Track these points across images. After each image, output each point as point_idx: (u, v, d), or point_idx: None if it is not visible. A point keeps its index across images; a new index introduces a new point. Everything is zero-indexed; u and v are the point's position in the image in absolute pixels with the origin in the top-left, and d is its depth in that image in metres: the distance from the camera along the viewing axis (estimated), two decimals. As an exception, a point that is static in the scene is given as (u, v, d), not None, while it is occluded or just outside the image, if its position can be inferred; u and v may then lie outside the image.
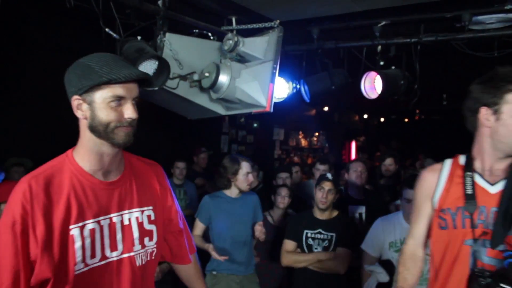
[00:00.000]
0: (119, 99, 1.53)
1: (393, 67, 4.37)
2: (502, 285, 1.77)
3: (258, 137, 9.41)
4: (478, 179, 1.96)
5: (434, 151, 11.32)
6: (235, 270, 3.73)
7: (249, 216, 3.85)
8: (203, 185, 6.05)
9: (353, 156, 11.42)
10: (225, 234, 3.72)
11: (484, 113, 1.88)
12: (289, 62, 4.56)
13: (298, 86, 4.53)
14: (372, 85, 4.26)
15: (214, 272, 3.75)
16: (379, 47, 4.23)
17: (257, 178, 5.26)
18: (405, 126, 12.73)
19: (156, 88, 3.17)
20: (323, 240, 3.65)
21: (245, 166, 3.73)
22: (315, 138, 11.45)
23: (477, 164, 1.98)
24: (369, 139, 12.79)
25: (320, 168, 5.02)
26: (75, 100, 1.54)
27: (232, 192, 3.80)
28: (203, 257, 3.86)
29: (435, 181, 2.06)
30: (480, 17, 3.68)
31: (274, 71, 3.23)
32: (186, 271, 2.09)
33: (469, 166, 2.00)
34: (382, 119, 13.03)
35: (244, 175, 3.73)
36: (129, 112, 1.54)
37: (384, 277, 3.15)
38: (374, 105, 10.10)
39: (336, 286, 3.65)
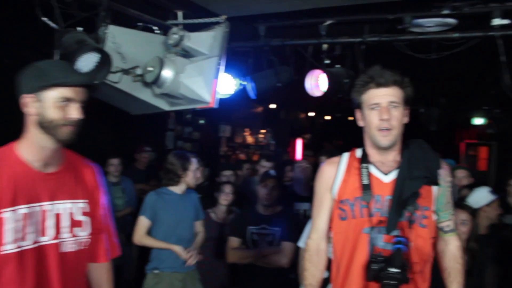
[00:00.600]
0: (67, 100, 1.72)
1: (338, 66, 4.44)
2: (389, 269, 1.92)
3: (204, 133, 9.34)
4: (373, 170, 2.10)
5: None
6: (179, 268, 3.68)
7: (193, 213, 3.85)
8: (144, 190, 5.84)
9: (298, 153, 11.55)
10: (171, 232, 3.68)
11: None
12: (236, 59, 4.53)
13: (244, 83, 4.52)
14: (316, 83, 4.31)
15: (156, 271, 3.68)
16: (325, 46, 4.28)
17: (202, 175, 5.23)
18: (349, 125, 13.00)
19: (98, 82, 3.06)
20: (267, 235, 3.68)
21: (194, 162, 3.74)
22: (261, 135, 11.49)
23: (370, 157, 2.13)
24: (315, 137, 12.99)
25: (266, 165, 5.08)
26: (26, 98, 1.72)
27: (179, 189, 3.76)
28: (145, 255, 3.80)
29: (334, 174, 2.18)
30: (420, 20, 3.81)
31: (219, 67, 3.20)
32: (98, 273, 2.08)
33: (364, 158, 2.14)
34: (327, 117, 13.26)
35: (194, 170, 3.73)
36: (74, 112, 1.73)
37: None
38: (320, 103, 10.29)
39: (282, 280, 3.68)
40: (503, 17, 3.62)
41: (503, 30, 3.65)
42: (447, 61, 3.96)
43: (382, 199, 2.05)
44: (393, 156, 2.11)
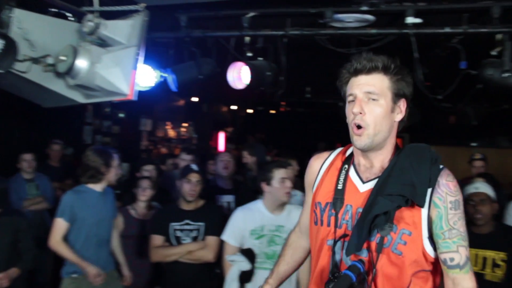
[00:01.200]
0: None
1: (260, 59, 4.43)
2: None
3: (124, 127, 9.08)
4: (352, 174, 1.79)
5: (297, 142, 11.99)
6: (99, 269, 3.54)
7: (112, 211, 3.74)
8: (62, 188, 5.50)
9: (221, 146, 11.54)
10: (93, 233, 3.52)
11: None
12: (156, 50, 4.38)
13: (165, 75, 4.38)
14: (239, 75, 4.28)
15: (75, 275, 3.51)
16: (247, 38, 4.25)
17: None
18: (271, 118, 13.20)
19: (2, 72, 2.80)
20: (191, 230, 3.63)
21: (116, 158, 3.65)
22: (183, 129, 11.34)
23: (356, 158, 1.82)
24: (237, 130, 13.03)
25: (186, 158, 5.02)
26: None
27: (100, 187, 3.61)
28: (61, 258, 3.58)
29: (317, 170, 1.91)
30: (341, 15, 3.89)
31: (138, 57, 3.05)
32: None
33: (349, 158, 1.83)
34: (250, 111, 13.34)
35: (116, 167, 3.63)
36: None
37: (245, 265, 3.19)
38: (242, 96, 10.31)
39: (208, 275, 3.65)
40: (416, 16, 3.78)
41: (416, 28, 3.81)
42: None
43: (353, 211, 1.73)
44: (380, 161, 1.75)
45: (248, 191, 4.39)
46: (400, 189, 1.61)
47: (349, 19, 3.94)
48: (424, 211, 1.66)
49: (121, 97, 3.07)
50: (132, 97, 3.04)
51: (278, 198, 3.27)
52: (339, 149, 1.92)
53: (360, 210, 1.69)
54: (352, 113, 1.69)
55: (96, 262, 3.54)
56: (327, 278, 1.70)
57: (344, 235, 1.72)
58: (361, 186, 1.75)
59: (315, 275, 1.82)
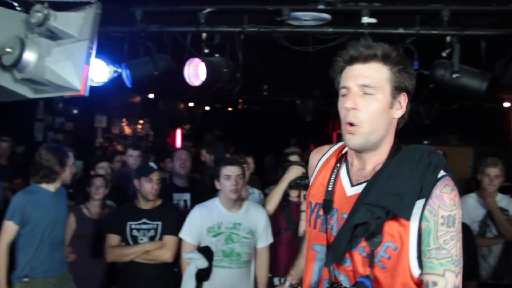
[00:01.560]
0: None
1: (217, 55, 4.39)
2: None
3: (78, 124, 8.85)
4: (343, 174, 1.61)
5: (256, 140, 12.02)
6: (52, 272, 3.45)
7: (66, 212, 3.63)
8: (11, 189, 5.25)
9: (178, 144, 11.42)
10: (46, 235, 3.39)
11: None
12: (110, 44, 4.26)
13: (119, 70, 4.27)
14: (196, 72, 4.22)
15: (26, 279, 3.36)
16: (204, 34, 4.20)
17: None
18: (229, 115, 13.19)
19: None
20: (149, 230, 3.56)
21: (71, 157, 3.53)
22: (139, 126, 11.14)
23: (350, 156, 1.63)
24: (194, 127, 12.95)
25: (133, 154, 4.95)
26: None
27: (53, 186, 3.48)
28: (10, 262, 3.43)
29: (314, 166, 1.73)
30: (298, 13, 3.90)
31: (90, 51, 2.93)
32: None
33: (343, 156, 1.65)
34: (207, 108, 13.27)
35: (71, 166, 3.52)
36: None
37: (202, 263, 3.17)
38: (199, 93, 10.22)
39: (165, 275, 3.59)
40: (371, 16, 3.84)
41: (371, 28, 3.88)
42: (322, 54, 4.12)
43: (338, 215, 1.56)
44: (373, 163, 1.56)
45: (206, 189, 4.36)
46: (381, 198, 1.42)
47: (306, 17, 3.97)
48: (413, 226, 1.44)
49: (73, 93, 2.96)
50: (85, 92, 2.93)
51: (226, 195, 3.28)
52: (339, 144, 1.72)
53: (345, 216, 1.52)
54: (345, 108, 1.49)
55: (50, 264, 3.43)
56: (319, 283, 1.59)
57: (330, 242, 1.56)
58: (349, 189, 1.58)
59: (307, 281, 1.67)
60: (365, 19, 3.83)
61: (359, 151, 1.55)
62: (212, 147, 5.30)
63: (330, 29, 3.95)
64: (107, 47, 4.15)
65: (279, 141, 10.56)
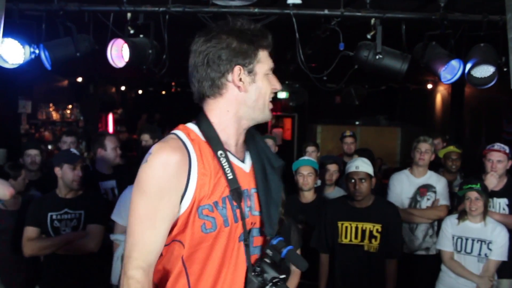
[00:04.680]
0: None
1: (141, 36, 4.24)
2: (274, 279, 1.53)
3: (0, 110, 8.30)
4: (232, 157, 1.60)
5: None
6: None
7: None
8: None
9: (110, 129, 11.07)
10: None
11: (237, 73, 1.56)
12: (26, 23, 4.01)
13: (37, 52, 4.02)
14: (119, 53, 4.06)
15: None
16: (129, 14, 4.04)
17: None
18: (163, 99, 12.94)
19: None
20: (71, 220, 3.42)
21: None
22: (68, 111, 10.65)
23: (223, 139, 1.60)
24: (127, 112, 12.61)
25: (67, 140, 4.72)
26: None
27: None
28: None
29: (186, 168, 1.51)
30: (224, -6, 3.84)
31: (-3, 30, 2.74)
32: None
33: (216, 142, 1.58)
34: (140, 91, 12.94)
35: None
36: None
37: None
38: (130, 76, 9.92)
39: (90, 266, 3.46)
40: (296, -3, 3.85)
41: (296, 9, 3.89)
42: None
43: (249, 193, 1.63)
44: (243, 136, 1.69)
45: (131, 174, 4.22)
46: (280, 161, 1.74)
47: (233, -2, 3.91)
48: None
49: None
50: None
51: None
52: (182, 136, 1.57)
53: (254, 190, 1.63)
54: (276, 88, 1.66)
55: None
56: (243, 280, 1.56)
57: (253, 223, 1.62)
58: (244, 167, 1.64)
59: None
60: (291, 0, 3.83)
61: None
62: (155, 132, 5.11)
63: (256, 10, 3.93)
64: (22, 26, 3.90)
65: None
